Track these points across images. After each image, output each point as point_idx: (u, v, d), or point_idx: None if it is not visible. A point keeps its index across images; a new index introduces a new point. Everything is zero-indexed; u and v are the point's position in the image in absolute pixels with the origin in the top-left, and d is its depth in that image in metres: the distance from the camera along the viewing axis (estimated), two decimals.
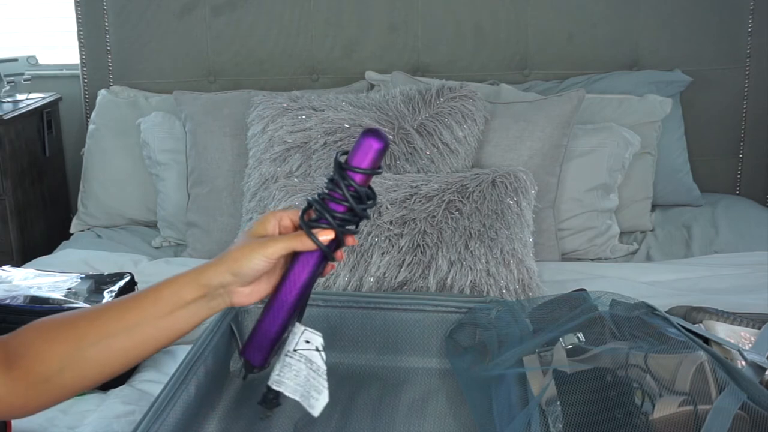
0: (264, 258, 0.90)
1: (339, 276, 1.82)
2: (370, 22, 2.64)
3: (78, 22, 2.68)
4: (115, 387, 1.53)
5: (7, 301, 1.60)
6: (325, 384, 0.96)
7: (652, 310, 1.32)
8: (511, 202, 1.92)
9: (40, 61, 2.82)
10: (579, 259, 2.23)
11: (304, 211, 0.94)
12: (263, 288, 0.95)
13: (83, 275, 1.76)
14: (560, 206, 2.22)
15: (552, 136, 2.18)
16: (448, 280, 1.81)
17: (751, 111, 2.64)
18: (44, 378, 0.87)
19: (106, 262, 2.15)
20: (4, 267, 1.81)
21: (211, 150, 2.31)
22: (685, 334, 1.22)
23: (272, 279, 0.95)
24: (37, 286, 1.68)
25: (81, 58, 2.71)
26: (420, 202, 1.90)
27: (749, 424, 1.01)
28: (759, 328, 1.33)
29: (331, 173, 0.93)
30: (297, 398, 0.96)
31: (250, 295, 0.93)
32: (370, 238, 1.85)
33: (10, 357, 0.87)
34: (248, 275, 0.91)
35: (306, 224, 0.93)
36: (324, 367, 0.97)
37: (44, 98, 2.73)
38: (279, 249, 0.91)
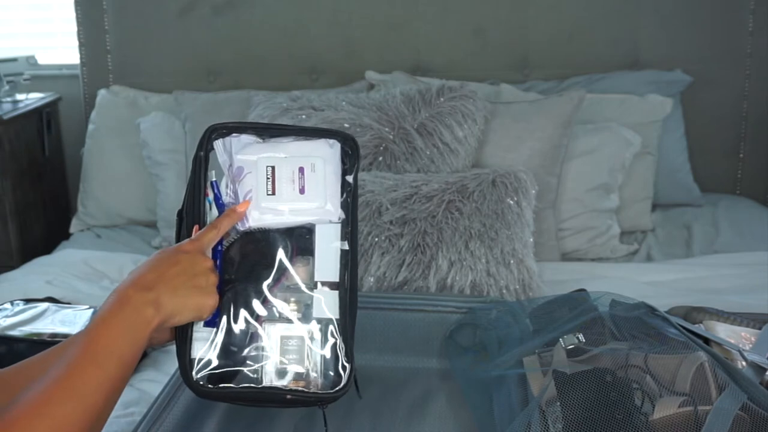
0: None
1: None
2: (370, 22, 2.64)
3: (78, 22, 2.67)
4: None
5: None
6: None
7: (652, 310, 1.31)
8: (511, 202, 1.92)
9: (40, 61, 2.81)
10: (579, 259, 2.23)
11: None
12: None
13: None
14: (561, 206, 2.22)
15: (552, 136, 2.18)
16: (449, 280, 1.81)
17: (751, 111, 2.64)
18: None
19: (105, 262, 2.15)
20: None
21: None
22: (685, 334, 1.22)
23: None
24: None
25: (81, 58, 2.71)
26: (420, 202, 1.89)
27: (749, 425, 1.01)
28: (759, 329, 1.33)
29: None
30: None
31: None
32: (370, 238, 1.84)
33: None
34: None
35: None
36: None
37: (44, 98, 2.72)
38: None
